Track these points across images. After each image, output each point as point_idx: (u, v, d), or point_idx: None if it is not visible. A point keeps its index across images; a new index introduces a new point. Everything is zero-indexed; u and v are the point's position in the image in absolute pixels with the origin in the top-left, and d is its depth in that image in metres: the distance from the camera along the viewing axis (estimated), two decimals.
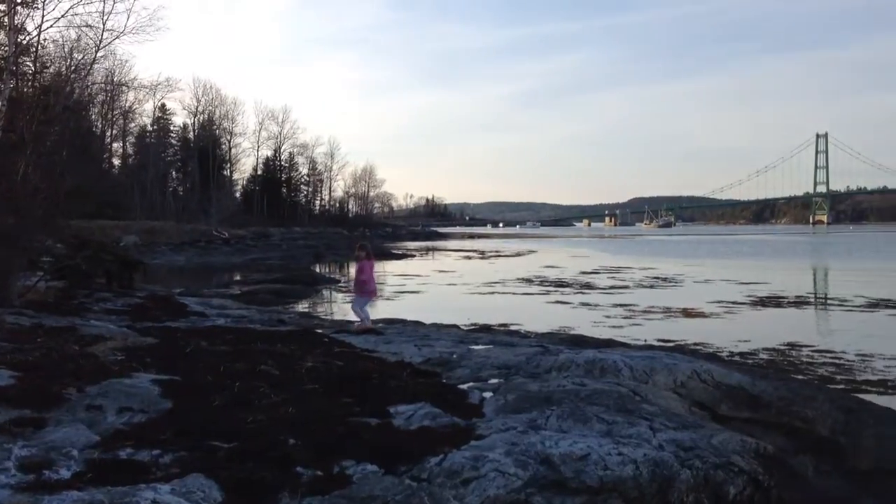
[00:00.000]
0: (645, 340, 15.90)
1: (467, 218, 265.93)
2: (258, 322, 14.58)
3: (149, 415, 6.35)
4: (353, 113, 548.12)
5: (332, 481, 4.94)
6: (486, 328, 16.83)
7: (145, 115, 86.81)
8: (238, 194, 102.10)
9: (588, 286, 30.69)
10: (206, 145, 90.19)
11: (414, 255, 60.95)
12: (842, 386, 11.61)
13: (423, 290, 29.74)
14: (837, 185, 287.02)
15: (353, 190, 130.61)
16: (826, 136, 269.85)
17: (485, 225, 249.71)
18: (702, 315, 21.18)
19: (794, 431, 7.83)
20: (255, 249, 59.31)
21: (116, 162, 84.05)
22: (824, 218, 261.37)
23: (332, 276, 38.26)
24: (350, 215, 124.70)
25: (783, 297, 25.69)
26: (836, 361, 13.91)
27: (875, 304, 23.24)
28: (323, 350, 9.69)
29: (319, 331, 12.41)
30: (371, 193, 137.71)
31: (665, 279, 34.29)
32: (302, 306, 23.99)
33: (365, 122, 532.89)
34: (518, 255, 62.36)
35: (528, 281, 33.47)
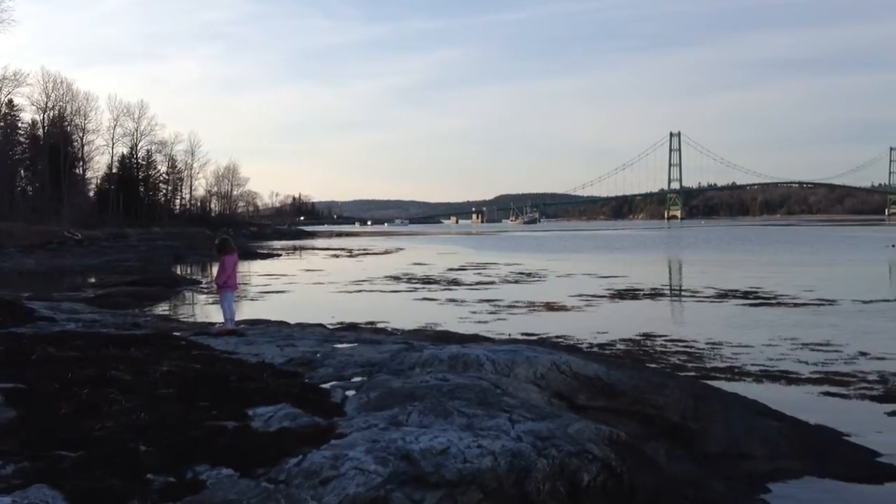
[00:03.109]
0: (509, 335, 16.19)
1: (335, 216, 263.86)
2: (111, 326, 13.97)
3: None
4: (217, 109, 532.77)
5: (185, 487, 4.79)
6: (352, 327, 16.73)
7: None
8: (92, 194, 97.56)
9: (455, 282, 31.01)
10: (57, 143, 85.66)
11: (280, 255, 59.98)
12: (692, 373, 12.14)
13: (289, 289, 29.31)
14: (690, 181, 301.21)
15: (215, 188, 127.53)
16: (679, 134, 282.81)
17: (353, 223, 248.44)
18: (563, 308, 21.75)
19: (648, 418, 8.15)
20: (111, 251, 56.84)
21: None
22: (678, 213, 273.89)
23: (194, 277, 37.15)
24: (213, 214, 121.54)
25: (639, 290, 26.72)
26: (688, 350, 14.55)
27: (724, 295, 24.49)
28: (180, 353, 9.38)
29: (177, 334, 12.01)
30: (235, 192, 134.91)
31: (529, 274, 35.06)
32: (160, 309, 23.20)
33: (229, 119, 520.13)
34: (386, 252, 62.36)
35: (396, 278, 33.51)
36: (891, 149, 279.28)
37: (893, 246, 56.98)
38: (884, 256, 46.49)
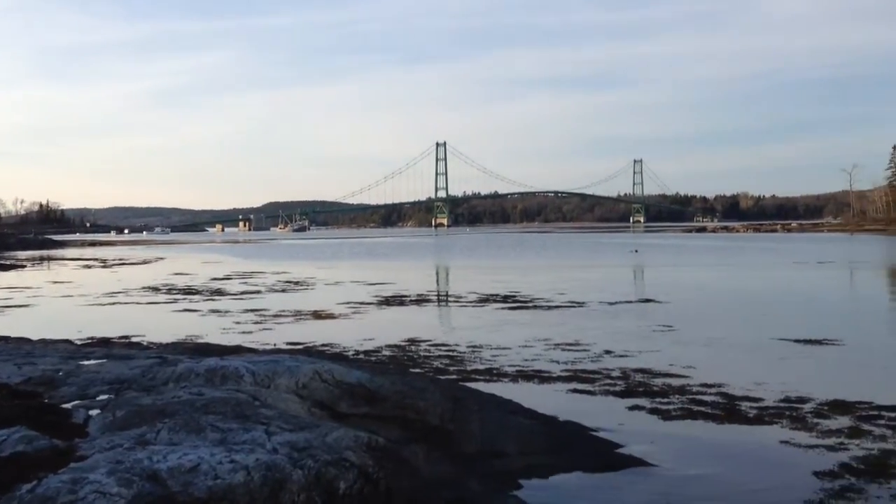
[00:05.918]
0: (274, 345, 15.92)
1: (88, 224, 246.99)
2: None
3: None
4: None
5: None
6: (103, 342, 15.76)
7: None
8: None
9: (219, 292, 30.09)
10: None
11: (24, 266, 55.41)
12: (454, 376, 12.50)
13: (34, 303, 27.14)
14: (456, 190, 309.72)
15: None
16: (445, 144, 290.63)
17: (108, 231, 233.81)
18: (331, 316, 21.71)
19: (408, 423, 8.28)
20: None
21: None
22: (445, 221, 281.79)
23: None
24: None
25: (406, 296, 27.22)
26: (451, 354, 14.98)
27: (485, 299, 25.50)
28: None
29: None
30: None
31: (297, 283, 34.71)
32: None
33: None
34: (145, 262, 59.38)
35: (155, 289, 31.99)
36: (633, 161, 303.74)
37: (636, 251, 62.05)
38: (626, 261, 50.48)
